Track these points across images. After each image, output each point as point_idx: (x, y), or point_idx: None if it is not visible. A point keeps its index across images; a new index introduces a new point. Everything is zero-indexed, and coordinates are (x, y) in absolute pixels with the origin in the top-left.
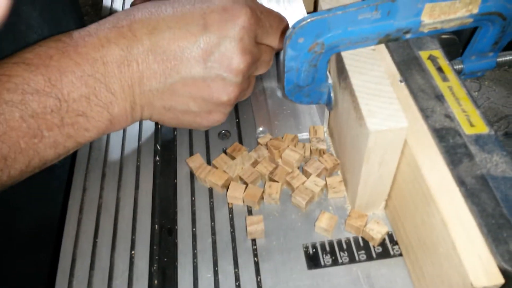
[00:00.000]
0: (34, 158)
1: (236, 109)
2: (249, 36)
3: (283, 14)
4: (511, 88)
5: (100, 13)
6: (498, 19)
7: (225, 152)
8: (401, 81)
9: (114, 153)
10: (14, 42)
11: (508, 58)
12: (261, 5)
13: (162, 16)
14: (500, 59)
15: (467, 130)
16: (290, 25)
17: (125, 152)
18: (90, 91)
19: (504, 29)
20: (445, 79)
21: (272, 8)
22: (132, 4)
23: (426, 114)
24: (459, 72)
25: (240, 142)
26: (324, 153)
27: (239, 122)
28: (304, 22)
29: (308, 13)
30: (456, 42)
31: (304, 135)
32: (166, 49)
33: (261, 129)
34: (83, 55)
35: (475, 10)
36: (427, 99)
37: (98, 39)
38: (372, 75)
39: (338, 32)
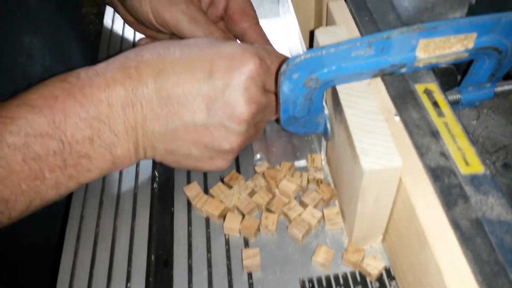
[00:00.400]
0: (35, 199)
1: None
2: (256, 85)
3: (281, 40)
4: (510, 116)
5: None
6: (493, 53)
7: (222, 180)
8: (396, 116)
9: (112, 180)
10: (12, 74)
11: (506, 87)
12: (274, 53)
13: (169, 59)
14: (498, 89)
15: (463, 170)
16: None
17: (123, 179)
18: (93, 133)
19: (500, 62)
20: (440, 114)
21: (272, 29)
22: (137, 43)
23: (421, 151)
24: (456, 102)
25: (238, 169)
26: (321, 182)
27: None
28: (299, 59)
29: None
30: (454, 72)
31: (301, 163)
32: (170, 93)
33: (258, 156)
34: (88, 96)
35: (470, 45)
36: (422, 135)
37: (105, 79)
38: (367, 110)
39: (332, 68)
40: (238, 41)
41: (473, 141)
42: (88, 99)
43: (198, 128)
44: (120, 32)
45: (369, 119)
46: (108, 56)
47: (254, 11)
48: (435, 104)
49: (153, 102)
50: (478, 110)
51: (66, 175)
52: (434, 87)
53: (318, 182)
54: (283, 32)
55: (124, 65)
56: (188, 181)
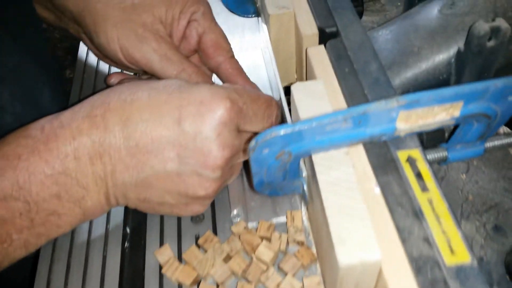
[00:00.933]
0: (4, 261)
1: None
2: (229, 130)
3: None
4: (502, 170)
5: None
6: (482, 118)
7: (197, 241)
8: (376, 187)
9: (81, 239)
10: None
11: (496, 143)
12: (247, 93)
13: (136, 105)
14: (488, 145)
15: (447, 259)
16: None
17: (92, 237)
18: (61, 189)
19: (489, 125)
20: (424, 189)
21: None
22: (107, 80)
23: (403, 236)
24: (443, 160)
25: (214, 225)
26: (302, 244)
27: (214, 202)
28: (268, 137)
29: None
30: (441, 128)
31: (281, 219)
32: (139, 142)
33: (235, 212)
34: (53, 151)
35: (457, 113)
36: (404, 215)
37: (70, 130)
38: (345, 187)
39: (305, 142)
40: (214, 74)
41: (459, 224)
42: (53, 154)
43: (171, 176)
44: (95, 64)
45: (347, 197)
46: (81, 92)
47: (228, 43)
48: (419, 175)
49: (122, 152)
50: (467, 163)
51: (35, 234)
52: (417, 154)
53: (299, 243)
54: (263, 64)
55: (90, 113)
56: (161, 241)
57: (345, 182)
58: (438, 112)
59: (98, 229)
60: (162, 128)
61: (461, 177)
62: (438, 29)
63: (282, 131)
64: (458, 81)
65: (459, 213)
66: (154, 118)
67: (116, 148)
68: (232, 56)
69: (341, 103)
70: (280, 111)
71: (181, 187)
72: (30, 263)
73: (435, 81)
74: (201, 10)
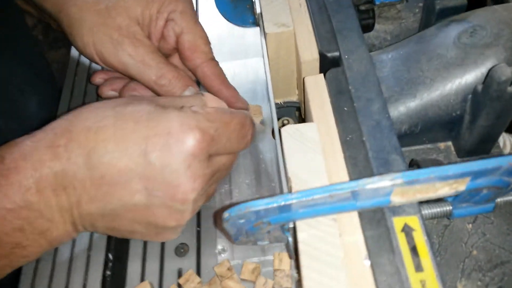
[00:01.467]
0: None
1: (199, 215)
2: (199, 160)
3: None
4: None
5: None
6: (492, 188)
7: (179, 276)
8: (366, 260)
9: (62, 264)
10: None
11: (510, 198)
12: (219, 116)
13: (101, 135)
14: (499, 201)
15: None
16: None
17: (74, 261)
18: (23, 222)
19: (501, 191)
20: (418, 267)
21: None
22: (92, 79)
23: None
24: (447, 216)
25: (198, 259)
26: None
27: (200, 233)
28: (242, 212)
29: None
30: None
31: (269, 258)
32: (104, 174)
33: (220, 247)
34: (14, 185)
35: (462, 188)
36: None
37: (32, 162)
38: (329, 263)
39: (286, 214)
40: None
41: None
42: (15, 188)
43: (139, 209)
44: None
45: (330, 278)
46: (73, 90)
47: (208, 44)
48: (414, 250)
49: (86, 184)
50: None
51: None
52: (415, 222)
53: None
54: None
55: (53, 144)
56: (143, 272)
57: (330, 257)
58: (440, 187)
59: (80, 253)
60: (128, 160)
61: (466, 226)
62: (455, 61)
63: (257, 208)
64: (473, 121)
65: (460, 270)
66: (120, 150)
67: (81, 180)
68: (211, 59)
69: (337, 150)
70: (254, 129)
71: (150, 219)
72: None
73: (448, 117)
74: (179, 8)
